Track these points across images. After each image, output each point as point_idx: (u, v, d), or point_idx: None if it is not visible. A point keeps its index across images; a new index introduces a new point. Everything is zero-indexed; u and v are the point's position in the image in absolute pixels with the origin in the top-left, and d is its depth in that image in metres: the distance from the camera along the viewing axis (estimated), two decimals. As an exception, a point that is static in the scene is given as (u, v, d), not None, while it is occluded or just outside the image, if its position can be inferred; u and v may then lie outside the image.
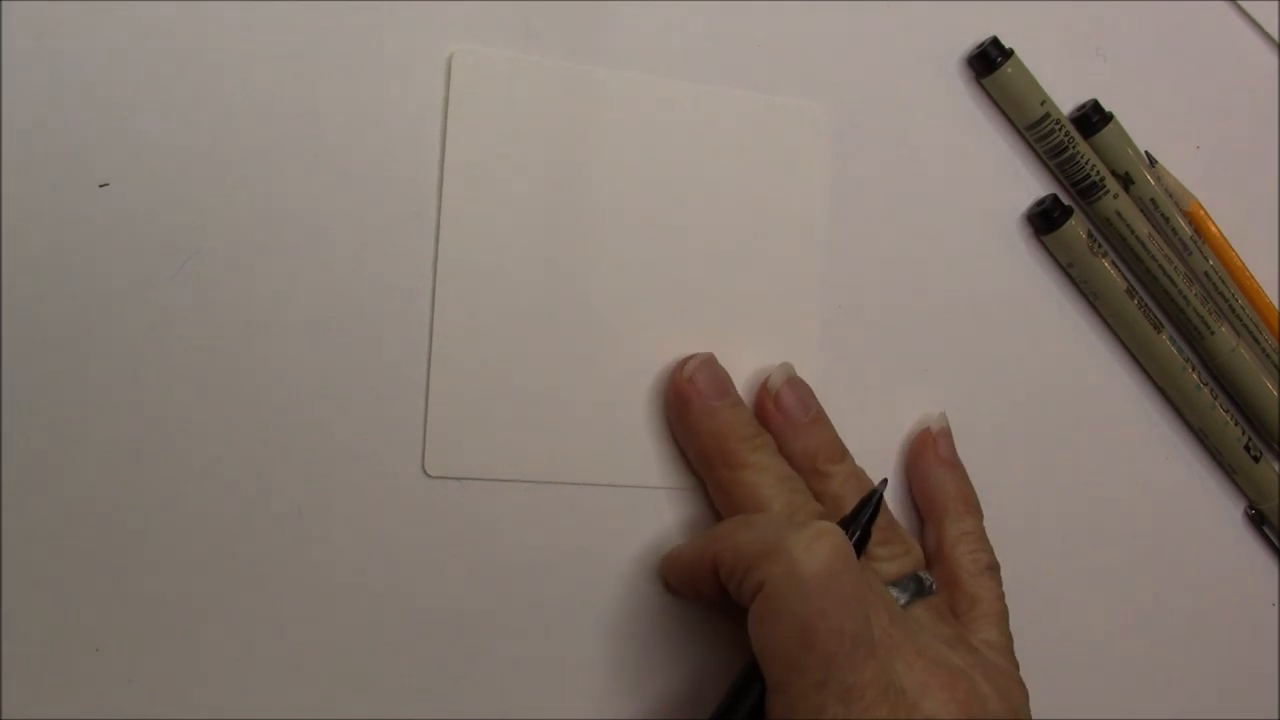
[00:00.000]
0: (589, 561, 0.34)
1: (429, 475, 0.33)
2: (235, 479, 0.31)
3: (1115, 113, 0.39)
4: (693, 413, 0.34)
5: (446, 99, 0.33)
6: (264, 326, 0.32)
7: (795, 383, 0.35)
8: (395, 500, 0.32)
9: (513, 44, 0.34)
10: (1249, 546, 0.41)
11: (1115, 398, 0.40)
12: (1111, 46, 0.40)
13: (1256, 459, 0.40)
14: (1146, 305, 0.39)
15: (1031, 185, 0.39)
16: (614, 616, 0.34)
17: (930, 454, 0.36)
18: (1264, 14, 0.41)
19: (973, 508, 0.36)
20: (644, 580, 0.34)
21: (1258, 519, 0.41)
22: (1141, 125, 0.39)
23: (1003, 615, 0.34)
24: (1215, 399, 0.39)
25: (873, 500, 0.32)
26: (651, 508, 0.34)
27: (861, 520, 0.32)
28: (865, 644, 0.28)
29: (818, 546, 0.29)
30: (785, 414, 0.34)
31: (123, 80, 0.31)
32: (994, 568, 0.35)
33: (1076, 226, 0.38)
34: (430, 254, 0.33)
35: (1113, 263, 0.38)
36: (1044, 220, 0.38)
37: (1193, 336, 0.39)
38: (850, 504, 0.33)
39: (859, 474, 0.35)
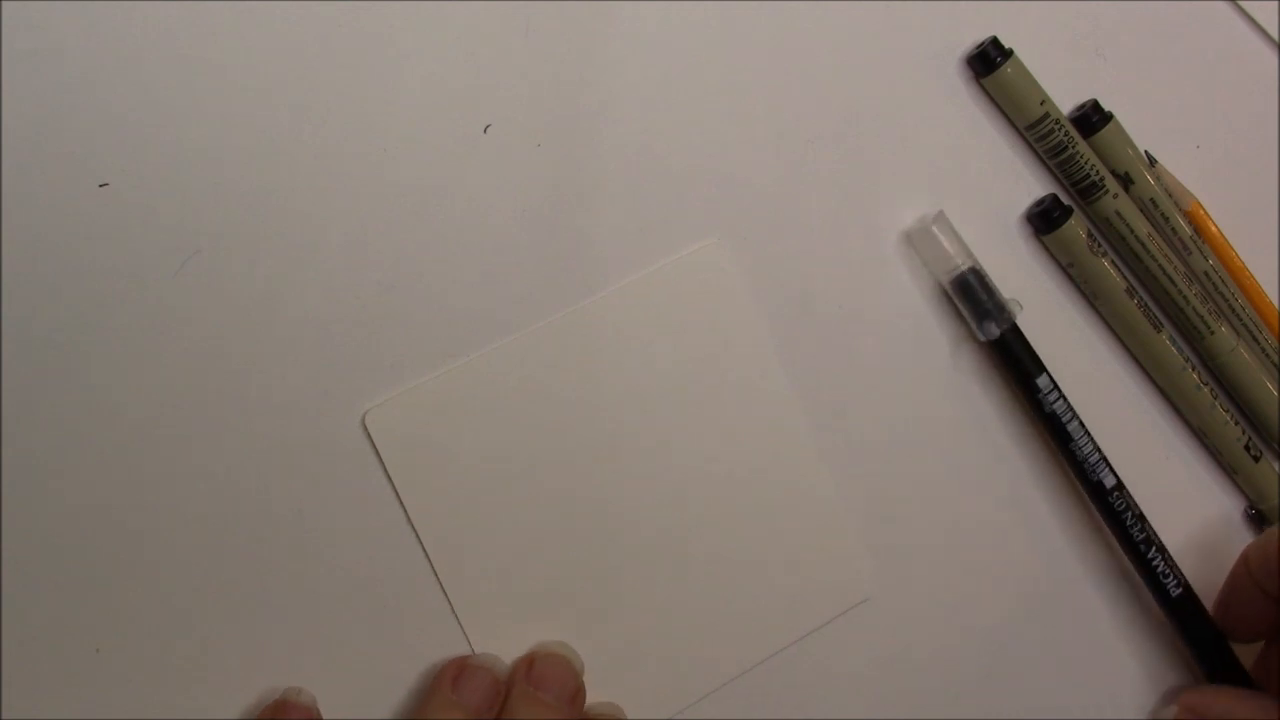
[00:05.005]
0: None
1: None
2: (235, 479, 0.31)
3: (1115, 113, 0.39)
4: None
5: (378, 455, 0.32)
6: (264, 325, 0.32)
7: None
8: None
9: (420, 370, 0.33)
10: (1249, 546, 0.41)
11: (1115, 397, 0.40)
12: (1111, 46, 0.40)
13: (1256, 459, 0.40)
14: (1146, 305, 0.39)
15: (1031, 185, 0.39)
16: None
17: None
18: (1264, 14, 0.41)
19: None
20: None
21: (1258, 519, 0.41)
22: (1141, 125, 0.39)
23: None
24: (1215, 399, 0.39)
25: None
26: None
27: None
28: None
29: None
30: None
31: (123, 81, 0.31)
32: None
33: (1076, 226, 0.38)
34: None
35: (1112, 263, 0.38)
36: (1043, 220, 0.38)
37: (1193, 336, 0.39)
38: None
39: None
